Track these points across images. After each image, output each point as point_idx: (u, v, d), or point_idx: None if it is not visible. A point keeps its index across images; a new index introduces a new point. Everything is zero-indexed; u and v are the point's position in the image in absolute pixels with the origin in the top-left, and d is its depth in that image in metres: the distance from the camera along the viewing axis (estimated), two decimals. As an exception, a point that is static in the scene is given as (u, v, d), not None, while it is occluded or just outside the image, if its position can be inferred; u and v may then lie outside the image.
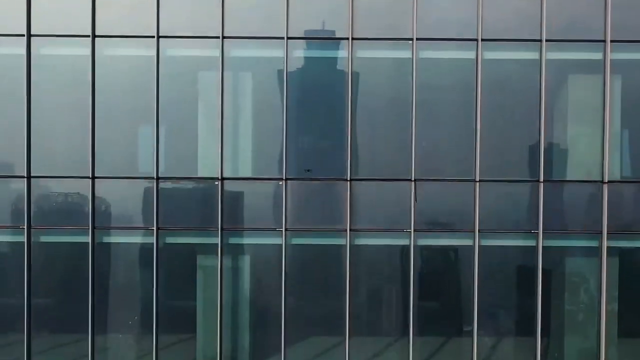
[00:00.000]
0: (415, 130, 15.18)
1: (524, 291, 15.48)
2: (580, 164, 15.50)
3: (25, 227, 15.10)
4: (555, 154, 15.57)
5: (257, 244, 15.70)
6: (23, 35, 15.07)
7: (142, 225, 15.33)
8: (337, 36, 15.34)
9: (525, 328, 15.45)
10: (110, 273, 15.74)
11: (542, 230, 15.13)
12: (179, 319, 15.68)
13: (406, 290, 15.36)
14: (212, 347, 15.38)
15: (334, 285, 15.57)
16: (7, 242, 15.58)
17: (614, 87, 15.48)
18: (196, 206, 15.58)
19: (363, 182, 15.35)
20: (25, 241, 15.13)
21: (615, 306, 15.54)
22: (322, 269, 15.85)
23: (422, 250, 15.55)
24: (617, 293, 15.49)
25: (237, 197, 15.66)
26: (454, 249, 15.71)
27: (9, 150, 15.34)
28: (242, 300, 15.68)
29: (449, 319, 15.79)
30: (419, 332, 15.37)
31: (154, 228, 15.23)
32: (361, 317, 15.56)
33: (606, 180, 15.21)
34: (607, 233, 15.19)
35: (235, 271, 15.75)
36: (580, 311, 15.76)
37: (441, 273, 15.96)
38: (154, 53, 15.08)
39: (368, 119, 15.55)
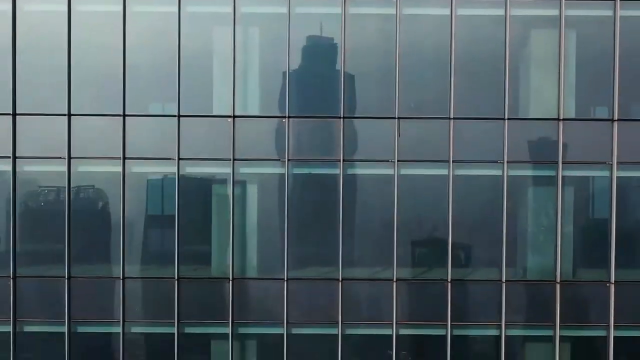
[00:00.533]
0: (399, 77, 17.85)
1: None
2: (540, 104, 18.28)
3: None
4: (520, 96, 18.32)
5: (263, 173, 18.50)
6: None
7: (167, 157, 18.17)
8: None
9: (493, 243, 18.23)
10: (137, 201, 18.51)
11: (507, 161, 17.88)
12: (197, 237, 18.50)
13: (390, 212, 18.13)
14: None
15: (330, 209, 18.30)
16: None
17: (569, 40, 18.11)
18: (212, 141, 18.33)
19: (354, 120, 18.17)
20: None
21: (571, 228, 18.17)
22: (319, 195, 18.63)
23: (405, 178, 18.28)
24: (572, 217, 18.20)
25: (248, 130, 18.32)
26: (434, 177, 18.38)
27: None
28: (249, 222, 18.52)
29: (427, 233, 18.58)
30: (402, 249, 18.04)
31: (176, 159, 18.02)
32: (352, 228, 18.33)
33: (562, 117, 17.89)
34: (563, 163, 17.91)
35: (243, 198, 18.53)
36: (541, 232, 18.37)
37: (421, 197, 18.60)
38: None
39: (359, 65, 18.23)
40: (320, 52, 18.50)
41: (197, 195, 18.45)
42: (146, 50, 17.93)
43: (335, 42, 18.16)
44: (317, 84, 18.51)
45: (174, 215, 17.95)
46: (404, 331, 18.25)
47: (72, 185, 18.00)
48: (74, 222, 18.00)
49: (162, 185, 18.49)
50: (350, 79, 18.21)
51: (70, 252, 18.02)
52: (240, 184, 18.30)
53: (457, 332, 18.26)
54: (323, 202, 18.38)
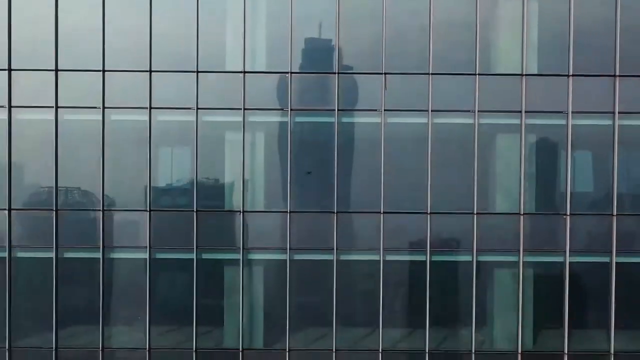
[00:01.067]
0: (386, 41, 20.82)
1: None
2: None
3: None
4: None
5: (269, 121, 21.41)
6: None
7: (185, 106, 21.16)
8: None
9: (465, 180, 21.14)
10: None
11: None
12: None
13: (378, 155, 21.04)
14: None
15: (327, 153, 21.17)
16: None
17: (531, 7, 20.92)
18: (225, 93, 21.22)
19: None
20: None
21: (533, 169, 21.03)
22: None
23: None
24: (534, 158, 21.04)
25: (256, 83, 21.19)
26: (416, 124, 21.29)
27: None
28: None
29: (410, 173, 21.46)
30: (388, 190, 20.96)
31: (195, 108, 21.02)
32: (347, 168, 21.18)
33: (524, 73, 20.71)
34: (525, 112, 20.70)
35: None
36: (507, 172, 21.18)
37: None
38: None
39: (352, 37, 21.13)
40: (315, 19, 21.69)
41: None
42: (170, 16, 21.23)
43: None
44: (316, 49, 21.63)
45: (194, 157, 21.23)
46: (390, 257, 21.41)
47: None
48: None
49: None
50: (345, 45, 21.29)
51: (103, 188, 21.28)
52: (250, 130, 21.52)
53: (435, 258, 21.40)
54: (321, 146, 21.51)
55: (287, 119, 21.07)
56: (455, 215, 21.15)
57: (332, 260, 21.28)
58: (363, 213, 21.15)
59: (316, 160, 21.48)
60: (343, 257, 21.51)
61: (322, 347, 21.34)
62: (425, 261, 21.28)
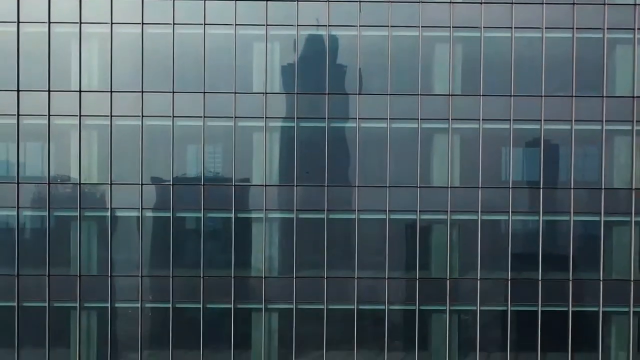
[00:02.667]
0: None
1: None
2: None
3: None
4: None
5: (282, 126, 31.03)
6: None
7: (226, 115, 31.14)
8: None
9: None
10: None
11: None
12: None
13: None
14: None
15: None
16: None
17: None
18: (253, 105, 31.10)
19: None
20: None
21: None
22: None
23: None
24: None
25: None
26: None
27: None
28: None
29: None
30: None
31: (234, 117, 30.82)
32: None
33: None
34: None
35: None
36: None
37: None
38: None
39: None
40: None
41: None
42: None
43: None
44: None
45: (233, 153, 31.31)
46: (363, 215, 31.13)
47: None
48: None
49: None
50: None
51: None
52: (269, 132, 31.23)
53: (393, 216, 31.12)
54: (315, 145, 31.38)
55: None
56: (408, 188, 31.60)
57: (324, 219, 31.37)
58: (343, 187, 31.67)
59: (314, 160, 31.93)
60: (331, 216, 31.52)
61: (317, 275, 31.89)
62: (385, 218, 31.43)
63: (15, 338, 32.24)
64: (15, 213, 32.29)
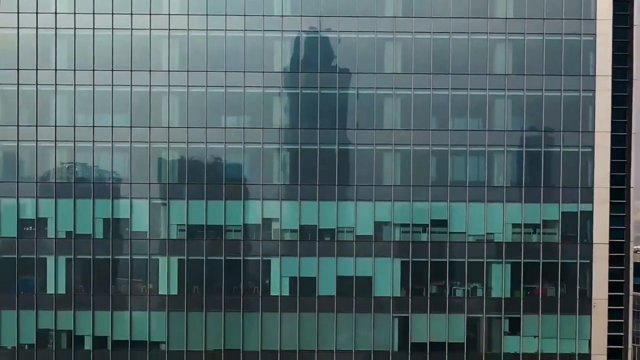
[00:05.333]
0: None
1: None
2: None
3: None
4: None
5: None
6: None
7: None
8: None
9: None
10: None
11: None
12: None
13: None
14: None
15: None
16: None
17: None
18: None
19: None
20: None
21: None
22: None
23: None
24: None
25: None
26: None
27: None
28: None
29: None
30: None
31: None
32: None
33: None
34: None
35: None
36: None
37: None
38: None
39: None
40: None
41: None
42: None
43: None
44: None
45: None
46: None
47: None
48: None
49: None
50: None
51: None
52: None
53: None
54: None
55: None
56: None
57: (316, 149, 49.15)
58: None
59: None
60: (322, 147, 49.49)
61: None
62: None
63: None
64: None
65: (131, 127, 51.28)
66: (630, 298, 54.12)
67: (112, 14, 51.22)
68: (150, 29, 51.50)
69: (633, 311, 54.88)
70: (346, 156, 51.84)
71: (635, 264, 56.78)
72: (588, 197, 51.98)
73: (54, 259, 51.56)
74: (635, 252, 66.42)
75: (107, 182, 51.61)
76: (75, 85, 51.47)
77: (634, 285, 57.03)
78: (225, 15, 51.29)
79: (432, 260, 51.51)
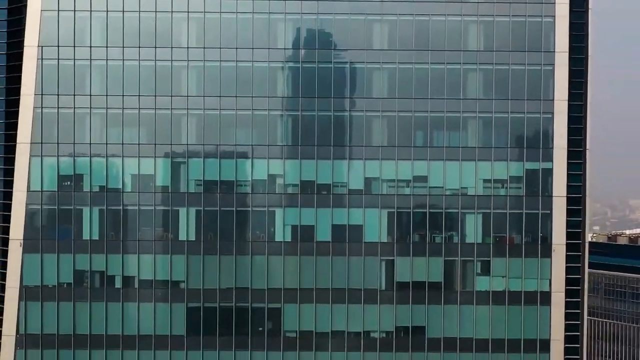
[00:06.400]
0: None
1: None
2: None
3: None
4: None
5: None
6: None
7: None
8: None
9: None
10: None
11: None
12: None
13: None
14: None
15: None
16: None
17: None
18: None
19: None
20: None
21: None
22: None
23: None
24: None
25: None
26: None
27: None
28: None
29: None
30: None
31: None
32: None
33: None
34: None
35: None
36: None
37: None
38: None
39: None
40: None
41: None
42: None
43: None
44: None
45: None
46: None
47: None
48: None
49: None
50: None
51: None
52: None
53: None
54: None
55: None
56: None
57: (314, 115, 56.71)
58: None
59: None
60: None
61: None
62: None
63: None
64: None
65: (155, 95, 60.01)
66: (586, 245, 62.46)
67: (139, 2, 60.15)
68: (172, 12, 59.90)
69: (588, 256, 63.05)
70: (341, 121, 60.38)
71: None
72: (549, 156, 60.65)
73: (89, 210, 60.50)
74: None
75: (135, 143, 60.48)
76: (107, 60, 60.16)
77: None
78: (237, 0, 59.88)
79: (414, 211, 60.66)
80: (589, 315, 65.81)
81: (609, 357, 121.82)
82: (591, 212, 63.12)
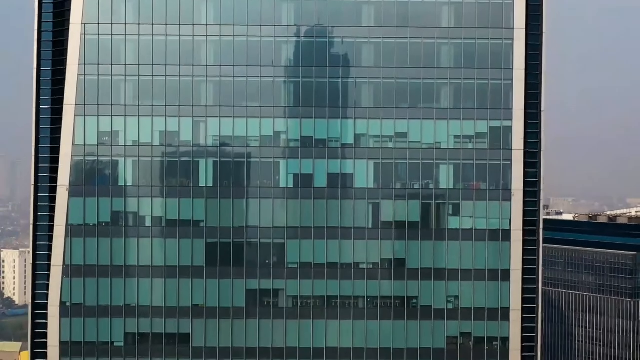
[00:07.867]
0: None
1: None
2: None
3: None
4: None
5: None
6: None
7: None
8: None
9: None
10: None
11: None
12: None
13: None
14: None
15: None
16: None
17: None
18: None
19: None
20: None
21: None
22: None
23: None
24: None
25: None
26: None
27: None
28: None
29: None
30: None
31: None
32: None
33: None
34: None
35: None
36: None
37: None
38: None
39: None
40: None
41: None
42: None
43: None
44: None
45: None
46: None
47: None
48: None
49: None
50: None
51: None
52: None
53: None
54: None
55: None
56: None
57: (312, 81, 67.65)
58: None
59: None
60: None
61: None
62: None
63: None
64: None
65: (179, 65, 71.72)
66: (542, 190, 73.44)
67: (164, -15, 71.75)
68: (193, -5, 71.84)
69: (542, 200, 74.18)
70: (335, 86, 72.21)
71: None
72: (509, 116, 72.14)
73: (124, 160, 71.99)
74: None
75: (162, 105, 71.93)
76: (139, 35, 71.27)
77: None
78: (247, -15, 71.69)
79: (396, 162, 72.74)
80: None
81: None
82: (546, 163, 74.20)
